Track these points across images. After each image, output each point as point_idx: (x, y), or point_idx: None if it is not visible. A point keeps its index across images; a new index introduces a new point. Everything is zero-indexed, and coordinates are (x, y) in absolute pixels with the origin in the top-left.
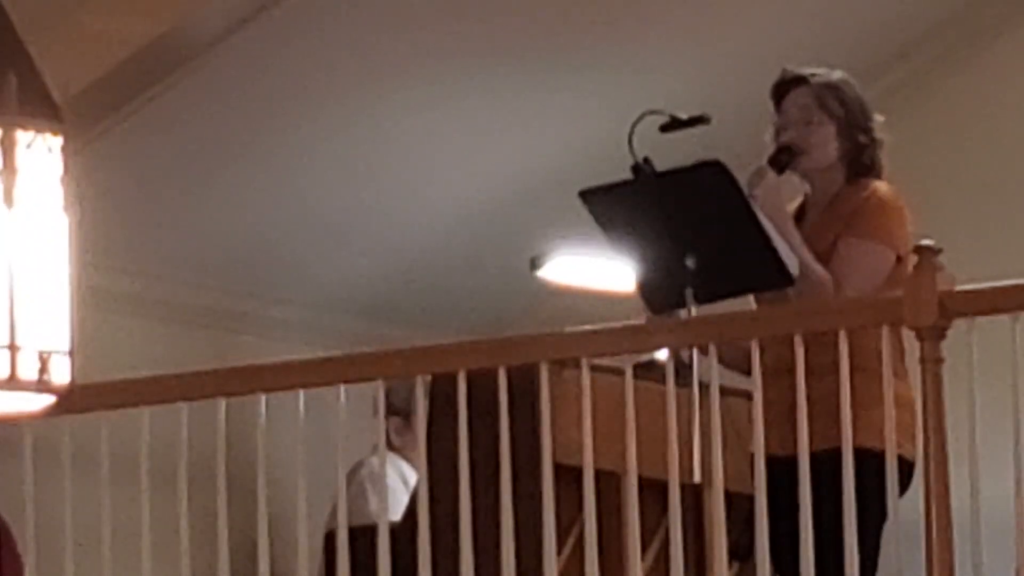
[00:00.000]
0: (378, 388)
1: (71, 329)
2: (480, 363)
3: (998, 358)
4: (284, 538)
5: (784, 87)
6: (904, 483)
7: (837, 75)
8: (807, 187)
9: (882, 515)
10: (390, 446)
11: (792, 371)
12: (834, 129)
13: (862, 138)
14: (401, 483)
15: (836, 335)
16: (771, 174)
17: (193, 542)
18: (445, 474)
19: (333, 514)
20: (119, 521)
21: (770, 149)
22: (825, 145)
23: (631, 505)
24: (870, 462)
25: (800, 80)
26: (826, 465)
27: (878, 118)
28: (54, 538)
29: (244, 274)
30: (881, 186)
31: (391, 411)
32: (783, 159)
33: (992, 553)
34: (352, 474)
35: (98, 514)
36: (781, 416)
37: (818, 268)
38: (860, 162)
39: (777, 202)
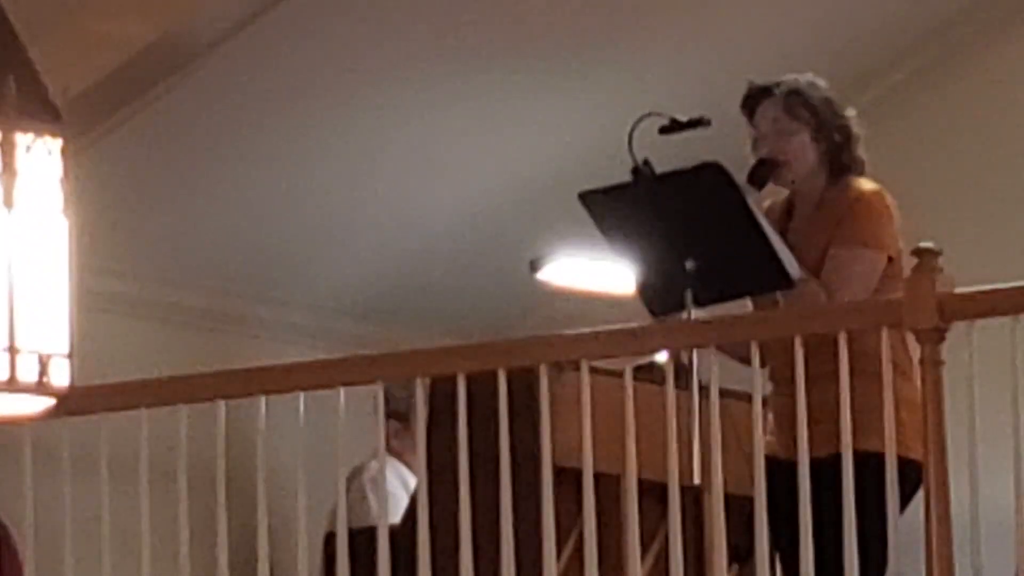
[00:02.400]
0: (378, 390)
1: (70, 331)
2: (479, 365)
3: (998, 360)
4: (284, 540)
5: (752, 100)
6: (916, 485)
7: (803, 79)
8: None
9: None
10: (389, 450)
11: (795, 380)
12: (808, 135)
13: (837, 137)
14: (402, 488)
15: (837, 339)
16: (752, 193)
17: (192, 544)
18: (444, 476)
19: (333, 515)
20: (118, 523)
21: (750, 163)
22: (803, 153)
23: (631, 507)
24: (877, 466)
25: (766, 91)
26: (832, 469)
27: (850, 113)
28: (54, 539)
29: (243, 276)
30: (865, 185)
31: (390, 414)
32: (762, 173)
33: (992, 555)
34: (352, 478)
35: (98, 516)
36: (786, 422)
37: (810, 282)
38: (840, 161)
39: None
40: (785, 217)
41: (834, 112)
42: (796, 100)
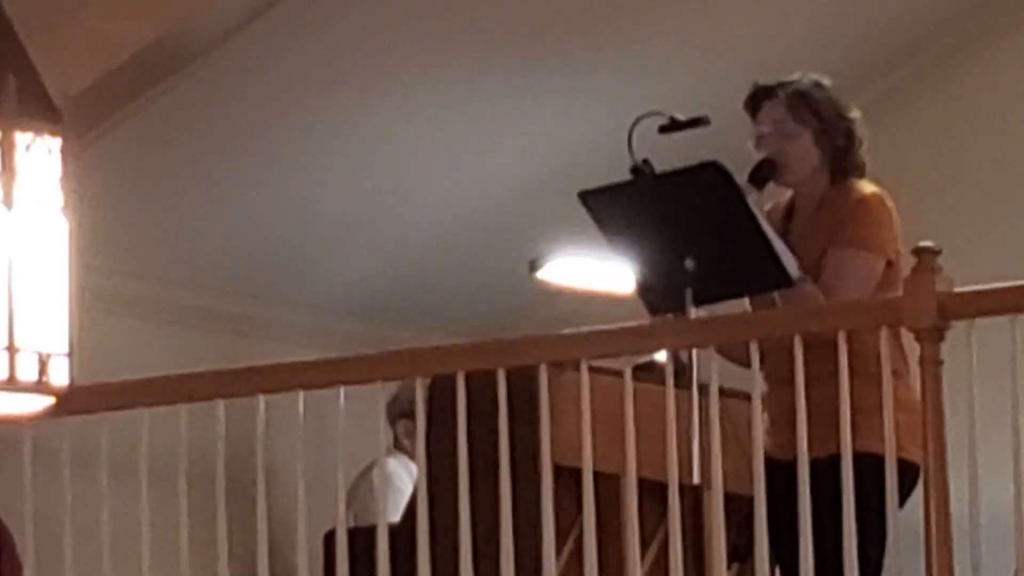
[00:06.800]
0: (380, 390)
1: (70, 331)
2: (479, 365)
3: (997, 360)
4: (283, 539)
5: (756, 99)
6: (911, 486)
7: (807, 80)
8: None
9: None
10: (400, 448)
11: (793, 380)
12: (811, 138)
13: (841, 141)
14: (412, 485)
15: (836, 338)
16: (753, 193)
17: (192, 543)
18: (444, 475)
19: None
20: (119, 522)
21: (752, 162)
22: (805, 155)
23: (630, 507)
24: (873, 467)
25: (770, 91)
26: (829, 470)
27: (855, 114)
28: (54, 539)
29: (244, 276)
30: (866, 188)
31: (402, 413)
32: (763, 174)
33: (991, 555)
34: (363, 476)
35: (98, 515)
36: (783, 422)
37: (807, 283)
38: (842, 164)
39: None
40: (786, 218)
41: (838, 114)
42: (800, 102)
